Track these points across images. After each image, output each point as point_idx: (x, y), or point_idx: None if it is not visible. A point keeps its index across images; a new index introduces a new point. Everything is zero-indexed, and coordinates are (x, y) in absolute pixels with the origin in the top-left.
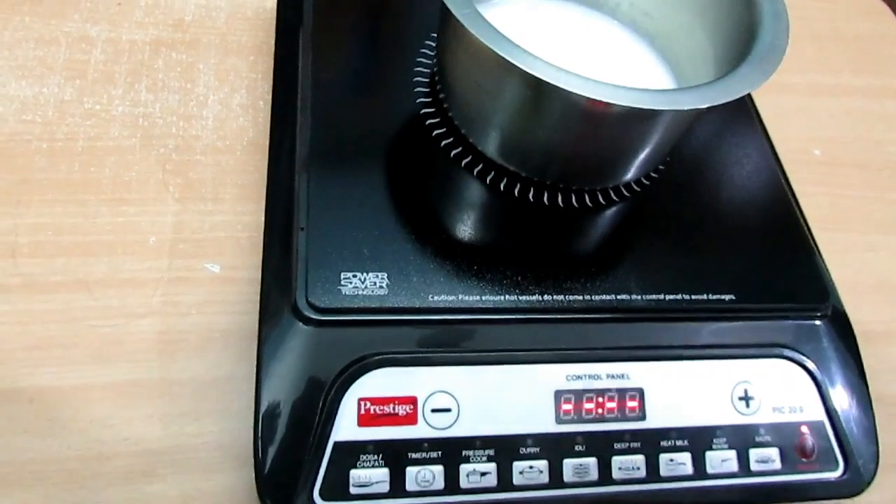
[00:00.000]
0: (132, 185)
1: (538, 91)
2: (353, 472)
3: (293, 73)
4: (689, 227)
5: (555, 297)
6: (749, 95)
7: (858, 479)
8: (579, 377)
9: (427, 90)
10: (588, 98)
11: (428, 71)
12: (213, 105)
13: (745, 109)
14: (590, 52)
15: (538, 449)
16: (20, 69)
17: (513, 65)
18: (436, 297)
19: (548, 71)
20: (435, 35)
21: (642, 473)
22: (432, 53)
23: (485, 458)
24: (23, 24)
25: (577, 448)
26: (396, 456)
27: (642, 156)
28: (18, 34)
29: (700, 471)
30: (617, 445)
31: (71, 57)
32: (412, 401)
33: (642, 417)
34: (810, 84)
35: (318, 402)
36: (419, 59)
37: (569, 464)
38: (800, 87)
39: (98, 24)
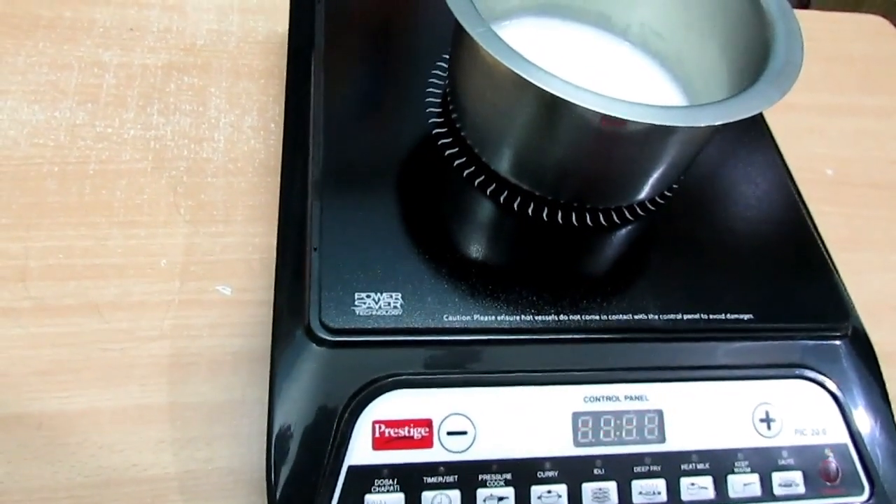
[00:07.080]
0: (143, 207)
1: (553, 108)
2: (368, 498)
3: (305, 95)
4: (705, 247)
5: (571, 317)
6: (761, 114)
7: None
8: (597, 399)
9: (439, 111)
10: (604, 115)
11: (440, 91)
12: (225, 128)
13: (758, 128)
14: (600, 71)
15: (556, 472)
16: (33, 94)
17: (528, 82)
18: (451, 318)
19: (564, 88)
20: (446, 56)
21: (663, 497)
22: (444, 74)
23: (502, 483)
24: (36, 50)
25: (597, 471)
26: (412, 480)
27: (657, 174)
28: (32, 59)
29: (722, 495)
30: (637, 469)
31: (83, 81)
32: (427, 423)
33: (662, 440)
34: (819, 104)
35: (332, 426)
36: (431, 80)
37: (588, 488)
38: (809, 107)
39: (110, 49)
